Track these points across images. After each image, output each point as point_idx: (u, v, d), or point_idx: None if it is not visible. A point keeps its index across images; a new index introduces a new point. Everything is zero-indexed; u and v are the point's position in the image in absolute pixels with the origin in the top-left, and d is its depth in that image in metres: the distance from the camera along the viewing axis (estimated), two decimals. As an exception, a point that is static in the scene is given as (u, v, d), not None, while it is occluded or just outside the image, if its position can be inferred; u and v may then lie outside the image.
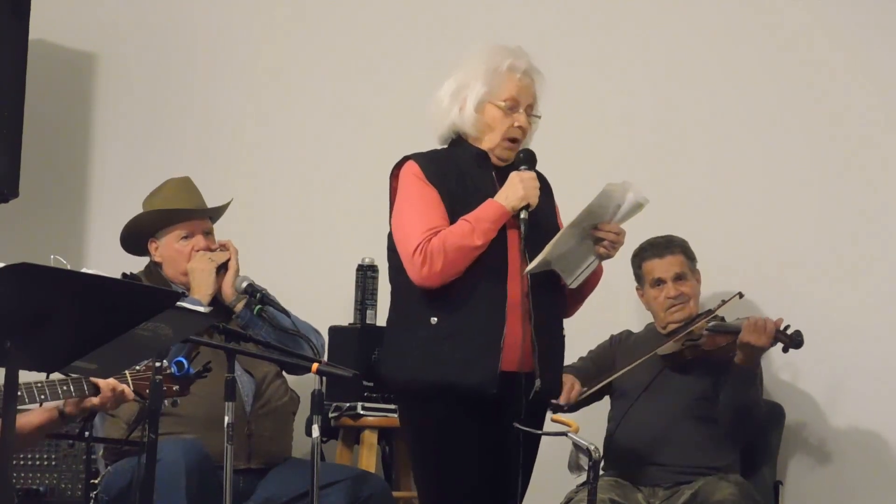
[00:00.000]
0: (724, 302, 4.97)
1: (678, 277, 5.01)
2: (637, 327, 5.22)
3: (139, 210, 4.93)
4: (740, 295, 4.98)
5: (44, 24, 5.84)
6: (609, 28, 5.59)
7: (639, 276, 5.09)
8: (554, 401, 4.62)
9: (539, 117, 4.18)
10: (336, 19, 5.92)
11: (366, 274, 5.35)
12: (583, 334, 4.83)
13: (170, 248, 4.85)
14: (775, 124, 5.34)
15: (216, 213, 4.95)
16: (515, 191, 4.04)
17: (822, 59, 5.31)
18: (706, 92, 5.44)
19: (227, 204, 4.97)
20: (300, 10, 5.97)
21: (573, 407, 5.02)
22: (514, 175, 4.08)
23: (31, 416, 3.96)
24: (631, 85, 5.53)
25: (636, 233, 5.03)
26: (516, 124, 4.12)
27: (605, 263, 4.17)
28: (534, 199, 4.04)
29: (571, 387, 4.94)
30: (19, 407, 3.36)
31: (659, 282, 5.02)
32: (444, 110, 4.16)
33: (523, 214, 4.03)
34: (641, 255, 5.06)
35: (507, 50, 4.17)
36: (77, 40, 6.11)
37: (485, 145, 4.14)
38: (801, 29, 5.35)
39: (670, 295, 5.00)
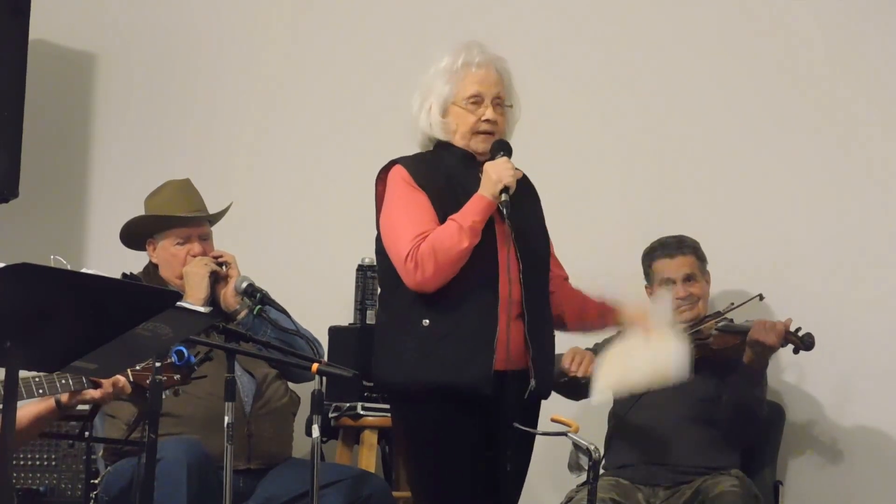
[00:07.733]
0: (733, 305, 4.96)
1: (688, 278, 4.99)
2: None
3: (139, 210, 4.93)
4: (760, 297, 4.95)
5: (44, 24, 5.84)
6: (611, 28, 5.58)
7: (648, 275, 5.06)
8: (573, 373, 4.69)
9: (511, 107, 4.17)
10: (336, 22, 5.91)
11: (366, 274, 5.34)
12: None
13: (166, 251, 4.85)
14: (785, 123, 5.33)
15: (214, 218, 4.95)
16: (489, 178, 4.04)
17: (825, 59, 5.32)
18: (712, 91, 5.43)
19: (226, 209, 4.97)
20: (300, 12, 5.96)
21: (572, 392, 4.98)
22: (487, 165, 4.08)
23: (28, 407, 3.95)
24: (633, 84, 5.52)
25: (641, 232, 5.03)
26: (483, 118, 4.11)
27: (613, 259, 4.17)
28: (509, 181, 4.03)
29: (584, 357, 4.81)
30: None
31: (668, 282, 5.00)
32: (413, 118, 4.18)
33: (503, 197, 4.03)
34: (652, 255, 5.04)
35: (460, 46, 4.17)
36: (77, 40, 6.10)
37: (461, 144, 4.14)
38: (807, 28, 5.35)
39: (679, 296, 4.97)
